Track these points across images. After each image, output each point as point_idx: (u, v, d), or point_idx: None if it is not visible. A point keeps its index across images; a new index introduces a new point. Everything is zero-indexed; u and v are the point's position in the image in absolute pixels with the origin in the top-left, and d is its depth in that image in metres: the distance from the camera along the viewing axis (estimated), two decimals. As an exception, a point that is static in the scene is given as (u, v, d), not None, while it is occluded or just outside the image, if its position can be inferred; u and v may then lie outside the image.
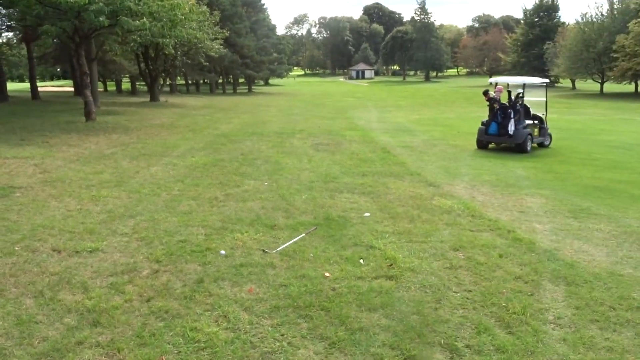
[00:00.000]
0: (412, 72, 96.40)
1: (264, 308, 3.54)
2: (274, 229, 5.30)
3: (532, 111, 11.51)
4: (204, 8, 26.32)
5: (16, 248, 4.61)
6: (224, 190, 7.03)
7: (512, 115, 10.83)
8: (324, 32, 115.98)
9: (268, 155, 10.04)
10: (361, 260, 4.43)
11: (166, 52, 26.28)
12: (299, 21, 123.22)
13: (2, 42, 32.39)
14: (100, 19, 14.92)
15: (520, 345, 3.11)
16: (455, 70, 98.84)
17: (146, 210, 5.87)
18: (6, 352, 2.96)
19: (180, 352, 3.00)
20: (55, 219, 5.50)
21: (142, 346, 3.04)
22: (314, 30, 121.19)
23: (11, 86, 38.49)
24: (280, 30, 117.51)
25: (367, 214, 5.87)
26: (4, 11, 24.33)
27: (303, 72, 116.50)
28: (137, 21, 14.89)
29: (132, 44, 22.22)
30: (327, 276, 4.09)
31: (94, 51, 22.18)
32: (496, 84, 11.81)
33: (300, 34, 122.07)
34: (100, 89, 53.08)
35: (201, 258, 4.45)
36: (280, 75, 62.00)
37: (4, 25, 27.52)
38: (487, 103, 11.41)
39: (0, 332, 3.17)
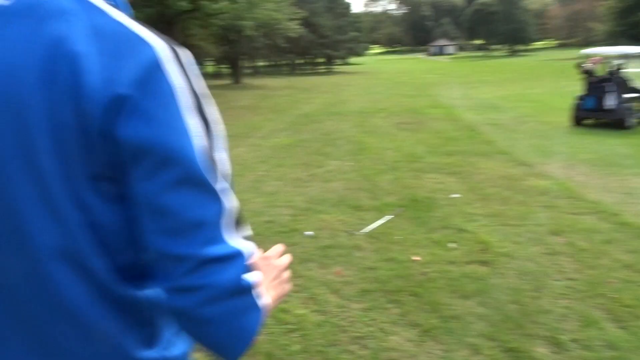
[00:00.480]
0: (496, 46, 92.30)
1: (353, 291, 3.48)
2: (359, 210, 5.21)
3: (633, 84, 10.57)
4: (281, -12, 26.42)
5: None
6: (308, 170, 7.03)
7: (610, 89, 10.00)
8: (402, 7, 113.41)
9: (350, 135, 9.94)
10: (452, 244, 4.26)
11: (247, 34, 26.75)
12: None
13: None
14: (182, 3, 15.37)
15: (635, 342, 2.83)
16: (543, 42, 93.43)
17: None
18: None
19: (272, 332, 3.00)
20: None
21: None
22: (392, 7, 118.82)
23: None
24: (357, 8, 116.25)
25: (455, 195, 5.63)
26: None
27: (382, 50, 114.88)
28: (216, 4, 15.18)
29: (213, 28, 22.76)
30: (416, 260, 3.96)
31: (178, 37, 22.97)
32: (591, 55, 10.93)
33: (378, 11, 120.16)
34: (186, 72, 54.54)
35: (288, 239, 4.45)
36: (358, 54, 61.51)
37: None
38: (582, 76, 10.61)
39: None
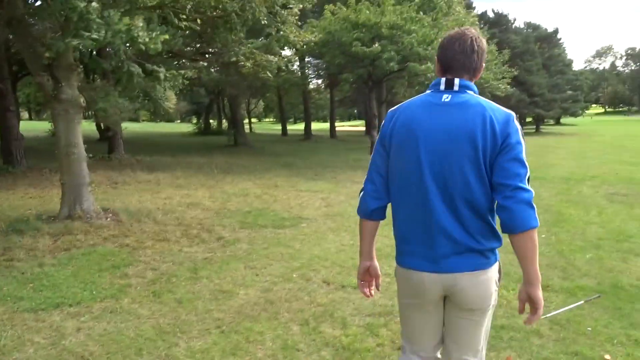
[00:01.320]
0: None
1: (522, 384, 3.13)
2: (546, 290, 4.70)
3: None
4: (492, 48, 26.00)
5: (294, 275, 5.14)
6: (494, 238, 6.62)
7: None
8: (631, 64, 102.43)
9: (549, 204, 9.14)
10: (657, 347, 3.58)
11: (451, 93, 26.75)
12: (601, 54, 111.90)
13: (312, 87, 37.71)
14: (391, 64, 16.09)
15: None
16: None
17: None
18: (270, 374, 3.25)
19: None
20: (329, 252, 5.99)
21: (386, 397, 2.99)
22: (619, 63, 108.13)
23: (315, 126, 44.32)
24: (578, 65, 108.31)
25: (671, 287, 4.76)
26: (314, 62, 28.42)
27: (603, 110, 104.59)
28: (422, 65, 15.55)
29: (417, 87, 23.31)
30: (607, 359, 3.41)
31: (384, 94, 24.02)
32: None
33: (602, 68, 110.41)
34: (389, 128, 56.29)
35: (459, 311, 4.22)
36: (574, 114, 56.93)
37: (314, 74, 32.09)
38: None
39: (269, 354, 3.51)
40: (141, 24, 6.18)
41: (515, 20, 52.13)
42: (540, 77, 47.96)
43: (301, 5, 12.25)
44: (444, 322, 2.19)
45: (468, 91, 1.98)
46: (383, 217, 2.23)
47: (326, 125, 48.16)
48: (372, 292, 2.29)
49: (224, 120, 46.78)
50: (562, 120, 65.78)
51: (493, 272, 2.05)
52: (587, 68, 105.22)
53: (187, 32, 10.76)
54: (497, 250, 2.06)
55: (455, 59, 1.99)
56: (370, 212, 2.20)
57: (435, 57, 2.15)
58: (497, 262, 2.08)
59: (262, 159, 18.09)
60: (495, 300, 2.13)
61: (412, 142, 1.97)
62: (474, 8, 45.10)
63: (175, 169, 14.03)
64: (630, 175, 13.37)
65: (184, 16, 9.96)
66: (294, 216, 7.99)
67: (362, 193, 2.25)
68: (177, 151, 20.71)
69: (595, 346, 3.60)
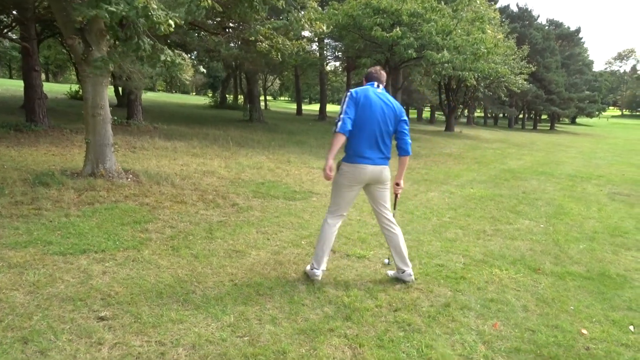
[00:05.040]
0: None
1: (504, 346, 3.46)
2: (537, 273, 5.03)
3: None
4: (511, 42, 25.97)
5: (302, 242, 5.50)
6: (495, 225, 6.94)
7: None
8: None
9: (552, 198, 9.42)
10: (631, 327, 3.90)
11: (467, 84, 26.81)
12: (623, 56, 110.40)
13: (330, 69, 37.73)
14: (409, 51, 16.23)
15: None
16: None
17: (414, 231, 6.26)
18: (276, 322, 3.61)
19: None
20: (337, 224, 6.33)
21: (380, 348, 3.34)
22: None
23: (330, 107, 44.44)
24: (598, 66, 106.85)
25: (655, 279, 5.06)
26: (333, 44, 28.50)
27: (620, 113, 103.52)
28: (439, 54, 15.68)
29: (433, 76, 23.40)
30: (583, 333, 3.74)
31: (400, 81, 24.14)
32: None
33: (622, 71, 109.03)
34: (403, 115, 55.82)
35: (454, 284, 4.56)
36: (590, 115, 56.62)
37: (332, 56, 32.15)
38: None
39: (277, 305, 3.87)
40: (155, 5, 6.49)
41: (539, 16, 51.44)
42: (558, 75, 47.68)
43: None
44: (368, 197, 4.48)
45: (381, 90, 4.35)
46: (348, 135, 4.12)
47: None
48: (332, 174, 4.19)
49: (239, 95, 47.01)
50: (578, 120, 65.36)
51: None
52: (608, 69, 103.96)
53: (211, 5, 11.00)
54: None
55: (375, 78, 4.41)
56: (347, 130, 4.07)
57: (364, 77, 4.56)
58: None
59: (276, 135, 18.39)
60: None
61: (370, 106, 4.16)
62: (497, 1, 44.75)
63: (191, 138, 14.38)
64: (636, 177, 13.58)
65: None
66: (305, 190, 8.33)
67: (341, 121, 4.07)
68: (193, 122, 21.05)
69: (575, 322, 3.93)
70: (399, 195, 4.80)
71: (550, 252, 5.78)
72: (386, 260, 5.02)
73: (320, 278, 4.43)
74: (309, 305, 3.93)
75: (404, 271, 4.49)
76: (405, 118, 4.28)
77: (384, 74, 4.46)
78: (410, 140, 4.33)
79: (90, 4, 6.12)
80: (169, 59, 7.50)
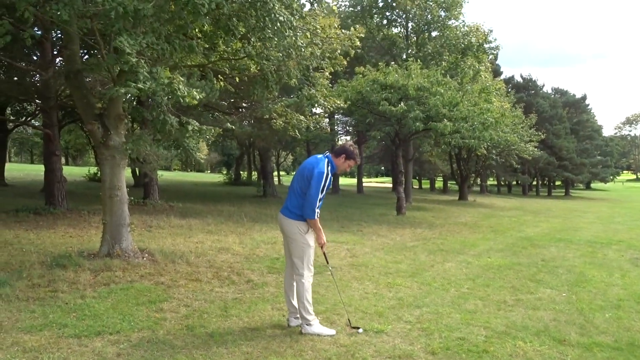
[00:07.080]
0: None
1: None
2: (562, 345, 4.86)
3: None
4: (518, 112, 26.44)
5: (319, 318, 5.39)
6: (515, 295, 6.78)
7: None
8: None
9: (573, 265, 9.23)
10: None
11: (478, 154, 27.07)
12: (631, 121, 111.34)
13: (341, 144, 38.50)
14: (417, 124, 16.59)
15: None
16: None
17: (432, 303, 6.13)
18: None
19: None
20: (353, 298, 6.24)
21: None
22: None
23: (343, 181, 44.82)
24: (608, 131, 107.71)
25: (688, 348, 4.84)
26: (343, 119, 29.24)
27: (634, 177, 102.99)
28: (441, 124, 15.98)
29: (443, 146, 23.72)
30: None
31: (411, 152, 24.48)
32: None
33: (632, 135, 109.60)
34: (415, 186, 56.89)
35: (476, 359, 4.40)
36: (604, 180, 56.41)
37: (343, 130, 32.89)
38: None
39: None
40: (182, 79, 6.86)
41: (544, 85, 52.63)
42: (568, 141, 48.03)
43: (332, 69, 12.90)
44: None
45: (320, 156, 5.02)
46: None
47: (354, 181, 48.70)
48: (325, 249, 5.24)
49: (253, 172, 47.78)
50: (593, 185, 65.04)
51: (295, 222, 4.92)
52: (617, 134, 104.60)
53: (224, 88, 11.51)
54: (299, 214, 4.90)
55: (335, 151, 5.14)
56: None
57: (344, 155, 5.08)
58: (299, 219, 4.90)
59: (289, 210, 18.47)
60: (300, 237, 4.92)
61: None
62: (502, 73, 46.02)
63: (206, 215, 14.51)
64: (657, 241, 13.29)
65: (222, 77, 10.70)
66: (320, 264, 8.25)
67: (318, 209, 4.81)
68: (208, 199, 21.31)
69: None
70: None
71: (575, 322, 5.60)
72: (360, 330, 5.03)
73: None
74: (327, 384, 3.80)
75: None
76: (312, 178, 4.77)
77: (347, 145, 5.13)
78: (306, 204, 4.80)
79: (119, 84, 6.46)
80: (196, 127, 7.79)
